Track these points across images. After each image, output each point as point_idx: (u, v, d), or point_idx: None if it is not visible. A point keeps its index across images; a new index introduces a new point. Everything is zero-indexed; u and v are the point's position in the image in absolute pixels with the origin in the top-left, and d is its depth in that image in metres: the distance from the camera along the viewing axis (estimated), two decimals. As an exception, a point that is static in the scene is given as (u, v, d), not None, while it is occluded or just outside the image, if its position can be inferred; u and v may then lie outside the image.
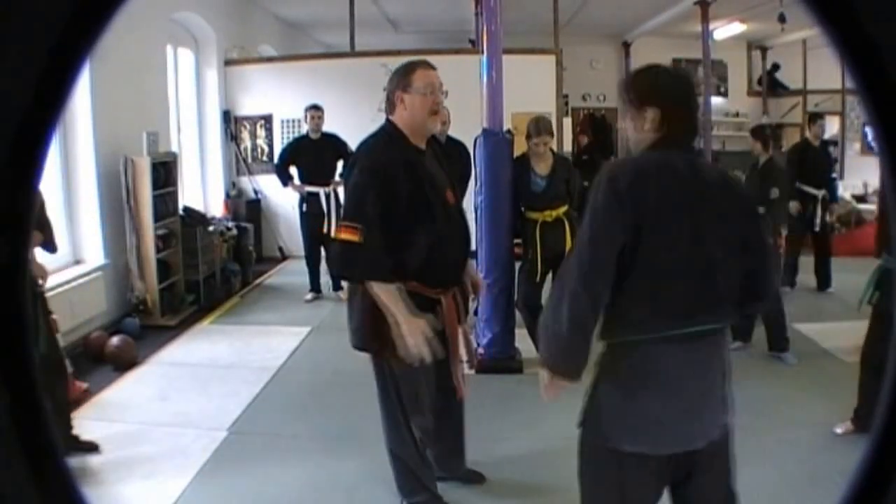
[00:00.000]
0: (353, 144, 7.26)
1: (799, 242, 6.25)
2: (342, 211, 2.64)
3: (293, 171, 6.29)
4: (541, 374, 1.86)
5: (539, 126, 4.33)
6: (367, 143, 2.59)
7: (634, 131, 1.81)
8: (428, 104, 2.51)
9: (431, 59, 2.66)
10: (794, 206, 5.95)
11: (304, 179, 6.23)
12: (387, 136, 2.57)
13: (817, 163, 6.41)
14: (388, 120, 2.60)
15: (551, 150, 4.55)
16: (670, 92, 1.79)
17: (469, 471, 3.13)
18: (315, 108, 6.22)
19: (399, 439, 2.77)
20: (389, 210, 2.41)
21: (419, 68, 2.53)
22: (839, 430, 3.53)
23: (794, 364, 4.60)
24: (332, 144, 6.20)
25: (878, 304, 3.43)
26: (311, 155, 6.17)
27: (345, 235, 2.42)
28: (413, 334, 2.40)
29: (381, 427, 2.80)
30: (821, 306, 5.92)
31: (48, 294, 4.32)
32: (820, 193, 6.28)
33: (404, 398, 2.68)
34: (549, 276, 4.47)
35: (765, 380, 4.37)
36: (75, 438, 3.36)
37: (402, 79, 2.53)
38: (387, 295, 2.43)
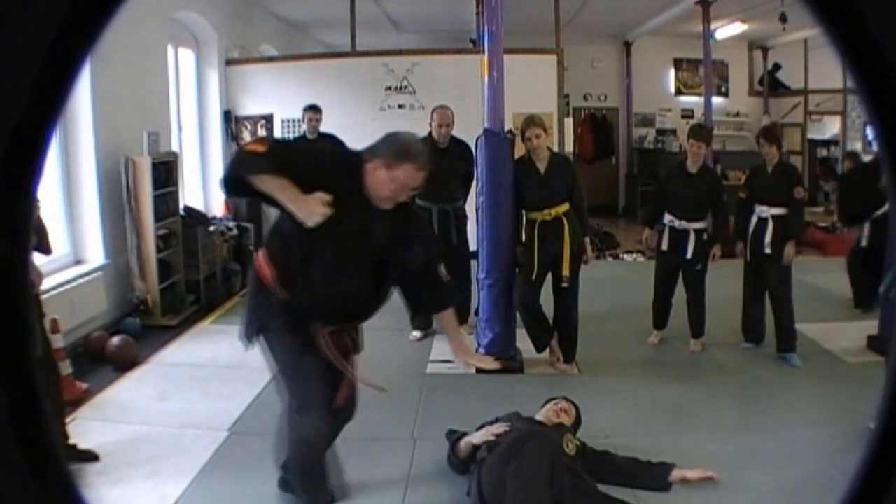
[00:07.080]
0: (352, 144, 7.21)
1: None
2: None
3: None
4: None
5: (529, 120, 4.41)
6: (343, 146, 2.68)
7: None
8: (393, 193, 2.45)
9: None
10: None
11: None
12: (351, 164, 2.47)
13: None
14: (361, 157, 2.47)
15: (549, 148, 4.56)
16: None
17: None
18: (313, 109, 6.03)
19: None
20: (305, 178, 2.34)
21: (411, 164, 2.40)
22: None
23: (799, 366, 4.61)
24: (329, 145, 6.16)
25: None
26: None
27: (251, 147, 2.44)
28: (307, 201, 2.28)
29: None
30: (821, 306, 5.92)
31: (47, 295, 4.34)
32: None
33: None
34: (549, 276, 4.46)
35: (767, 379, 4.38)
36: (73, 447, 3.30)
37: (394, 157, 2.40)
38: (273, 183, 2.30)
